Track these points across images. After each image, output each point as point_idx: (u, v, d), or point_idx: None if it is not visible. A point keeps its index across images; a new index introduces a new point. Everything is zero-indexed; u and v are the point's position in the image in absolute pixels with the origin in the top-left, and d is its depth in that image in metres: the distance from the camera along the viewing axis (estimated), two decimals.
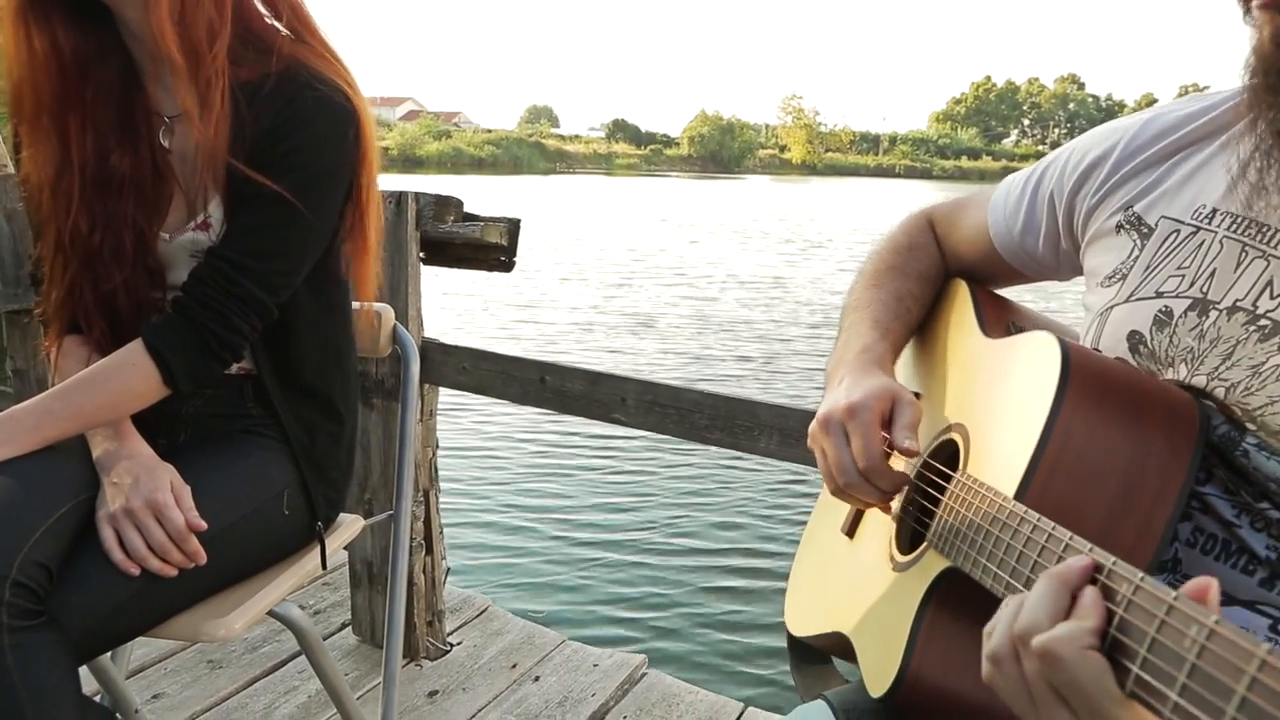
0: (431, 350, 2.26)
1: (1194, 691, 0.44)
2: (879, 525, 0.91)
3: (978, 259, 1.04)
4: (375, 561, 2.29)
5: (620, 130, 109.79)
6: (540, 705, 2.10)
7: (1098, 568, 0.54)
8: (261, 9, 1.22)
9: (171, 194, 1.21)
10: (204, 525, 1.10)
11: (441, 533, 2.43)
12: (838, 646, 0.90)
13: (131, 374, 1.14)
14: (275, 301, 1.21)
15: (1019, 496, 0.67)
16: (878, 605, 0.83)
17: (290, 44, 1.21)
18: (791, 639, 1.04)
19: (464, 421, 5.81)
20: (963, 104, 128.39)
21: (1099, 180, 0.88)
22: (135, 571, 1.06)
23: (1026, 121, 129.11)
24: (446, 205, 2.22)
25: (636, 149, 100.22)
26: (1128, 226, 0.84)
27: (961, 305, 1.00)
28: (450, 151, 77.15)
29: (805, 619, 0.99)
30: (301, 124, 1.17)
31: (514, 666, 2.26)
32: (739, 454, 2.38)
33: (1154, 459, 0.67)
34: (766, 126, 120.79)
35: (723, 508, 4.73)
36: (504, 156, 79.79)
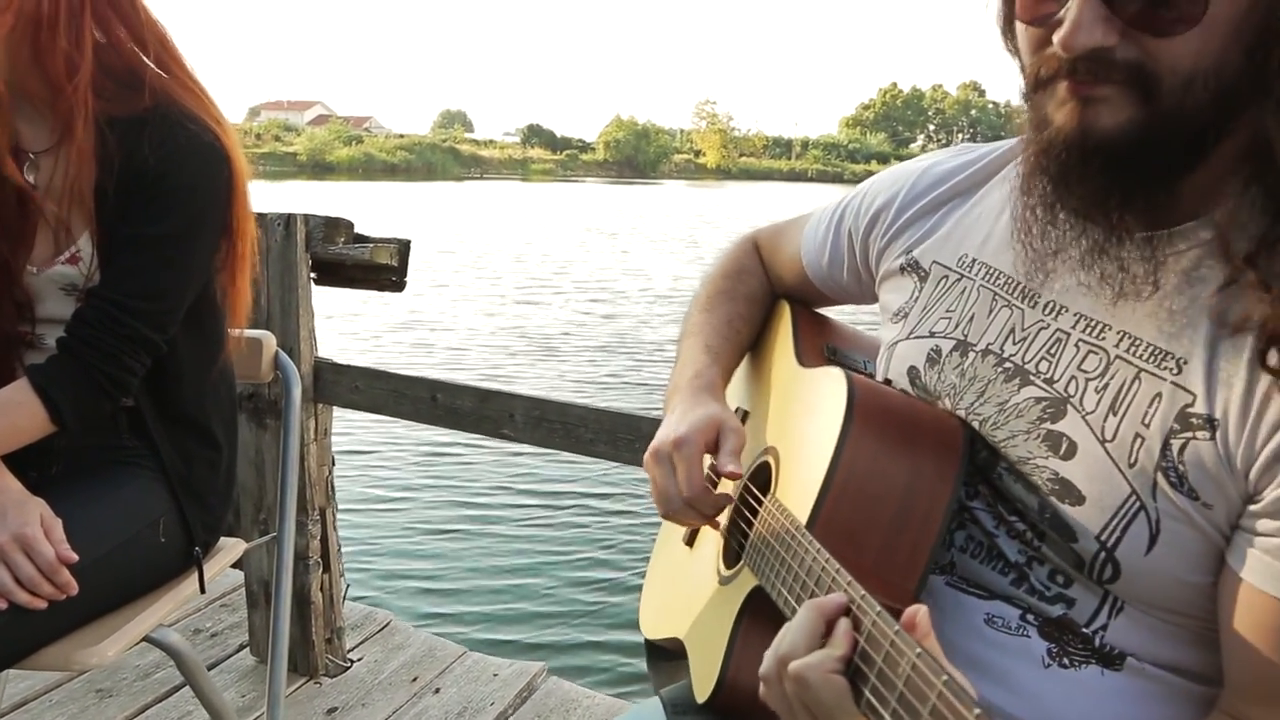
0: (324, 370, 2.28)
1: (900, 711, 0.53)
2: (712, 538, 0.99)
3: (796, 284, 1.14)
4: (272, 581, 2.29)
5: (536, 135, 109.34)
6: (440, 717, 2.14)
7: (851, 600, 0.62)
8: (129, 44, 1.24)
9: (36, 227, 1.22)
10: (75, 557, 1.12)
11: (340, 550, 2.44)
12: (679, 649, 0.98)
13: (17, 412, 1.16)
14: (163, 339, 1.24)
15: (811, 522, 0.75)
16: (704, 615, 0.92)
17: (159, 79, 1.24)
18: (648, 641, 1.11)
19: (366, 437, 5.76)
20: (871, 109, 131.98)
21: (885, 224, 0.97)
22: (3, 606, 1.08)
23: (932, 127, 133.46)
24: (336, 227, 2.25)
25: (552, 154, 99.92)
26: (909, 269, 0.93)
27: (784, 330, 1.09)
28: (361, 157, 75.60)
29: (653, 622, 1.08)
30: (177, 166, 1.20)
31: (415, 680, 2.30)
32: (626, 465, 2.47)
33: (925, 482, 0.76)
34: (681, 131, 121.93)
35: (617, 516, 4.84)
36: (417, 162, 78.60)
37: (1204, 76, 0.61)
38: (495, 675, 2.31)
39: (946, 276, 0.89)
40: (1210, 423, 0.66)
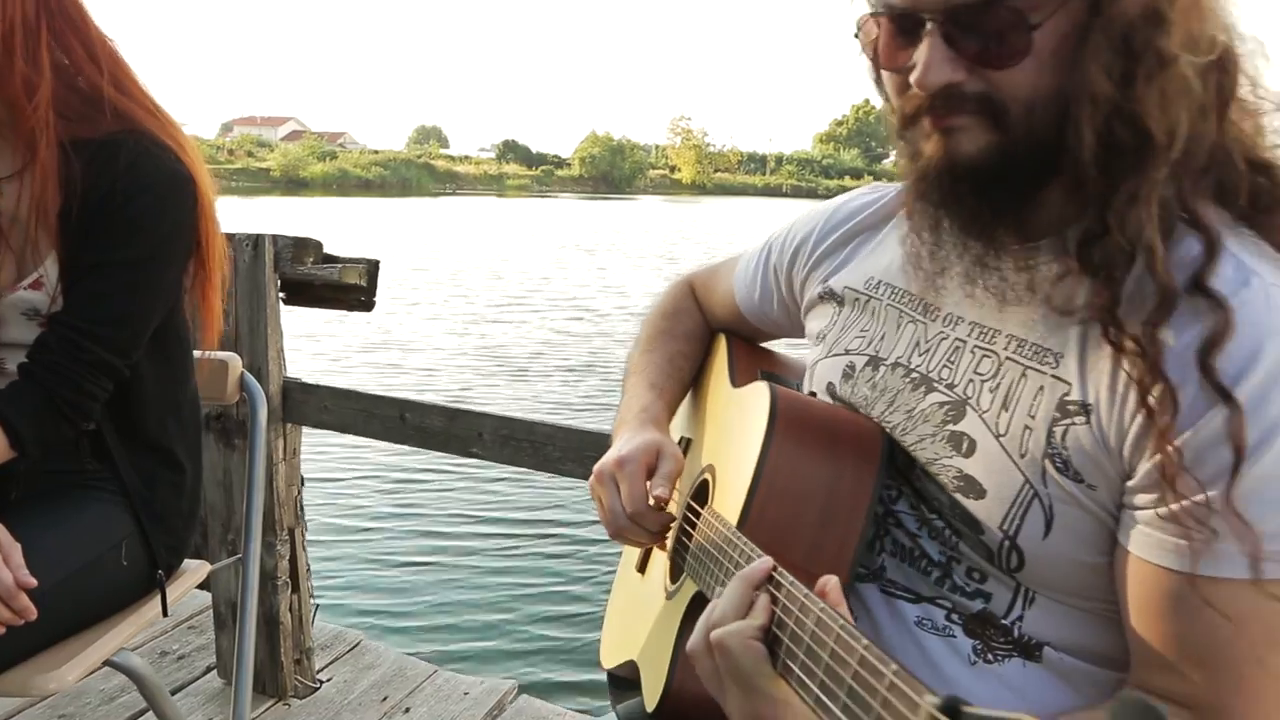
0: (293, 390, 2.28)
1: (805, 663, 0.58)
2: (660, 560, 1.02)
3: (731, 320, 1.21)
4: (240, 603, 2.28)
5: (511, 151, 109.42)
6: None
7: (773, 568, 0.67)
8: (88, 64, 1.23)
9: (0, 252, 1.22)
10: (34, 582, 1.11)
11: (309, 570, 2.43)
12: (634, 673, 1.00)
13: None
14: (126, 364, 1.24)
15: (741, 524, 0.79)
16: (653, 631, 0.94)
17: (119, 100, 1.24)
18: (608, 672, 1.13)
19: (338, 457, 5.73)
20: (844, 125, 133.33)
21: (805, 257, 1.05)
22: None
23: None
24: (305, 247, 2.25)
25: (528, 170, 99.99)
26: (827, 296, 1.00)
27: (721, 359, 1.16)
28: (336, 173, 75.27)
29: (610, 652, 1.10)
30: (141, 190, 1.20)
31: (384, 700, 2.29)
32: None
33: (847, 480, 0.81)
34: (656, 147, 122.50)
35: (587, 533, 4.85)
36: (392, 178, 78.33)
37: (1043, 101, 0.68)
38: (466, 694, 2.31)
39: (858, 299, 0.96)
40: (1085, 408, 0.71)
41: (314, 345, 9.26)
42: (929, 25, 0.69)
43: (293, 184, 70.80)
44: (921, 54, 0.69)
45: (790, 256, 1.07)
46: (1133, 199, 0.67)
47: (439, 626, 3.85)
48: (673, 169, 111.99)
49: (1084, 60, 0.66)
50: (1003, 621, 0.78)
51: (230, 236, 2.19)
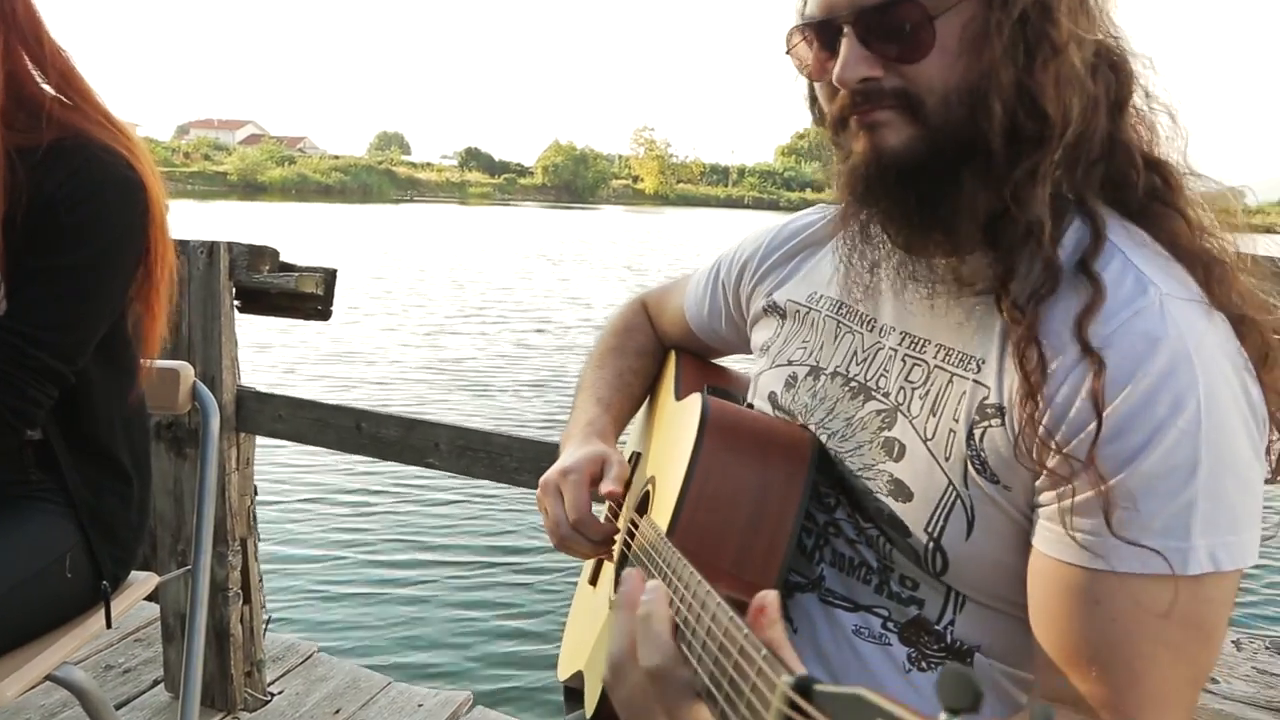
0: (247, 399, 2.26)
1: (728, 695, 0.53)
2: (609, 572, 1.04)
3: (683, 337, 1.23)
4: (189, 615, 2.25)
5: (474, 159, 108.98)
6: None
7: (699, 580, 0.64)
8: (36, 75, 1.23)
9: None
10: None
11: (261, 581, 2.41)
12: (583, 683, 1.01)
13: None
14: (71, 370, 1.22)
15: (671, 529, 0.80)
16: (597, 641, 0.96)
17: (62, 109, 1.23)
18: (564, 684, 1.14)
19: (293, 466, 5.65)
20: (806, 139, 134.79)
21: (751, 274, 1.08)
22: None
23: None
24: (261, 255, 2.24)
25: (490, 178, 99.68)
26: (771, 310, 1.04)
27: (670, 375, 1.18)
28: (295, 178, 74.38)
29: (564, 663, 1.11)
30: (89, 195, 1.19)
31: (337, 712, 2.27)
32: None
33: (776, 486, 0.83)
34: (620, 157, 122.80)
35: (542, 542, 4.83)
36: (353, 184, 77.57)
37: (956, 92, 0.73)
38: (420, 705, 2.30)
39: (799, 311, 1.00)
40: (1000, 410, 0.75)
41: (270, 354, 9.08)
42: (845, 29, 0.74)
43: (250, 188, 69.80)
44: (841, 54, 0.75)
45: (738, 273, 1.11)
46: (1030, 177, 0.72)
47: (394, 638, 3.81)
48: (636, 179, 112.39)
49: (987, 49, 0.71)
50: (935, 627, 0.81)
51: (184, 243, 2.17)
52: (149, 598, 1.61)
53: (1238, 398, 0.69)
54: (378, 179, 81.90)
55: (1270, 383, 0.72)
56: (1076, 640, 0.70)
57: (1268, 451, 0.72)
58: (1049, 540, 0.71)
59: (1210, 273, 0.74)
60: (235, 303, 2.26)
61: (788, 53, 0.83)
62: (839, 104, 0.78)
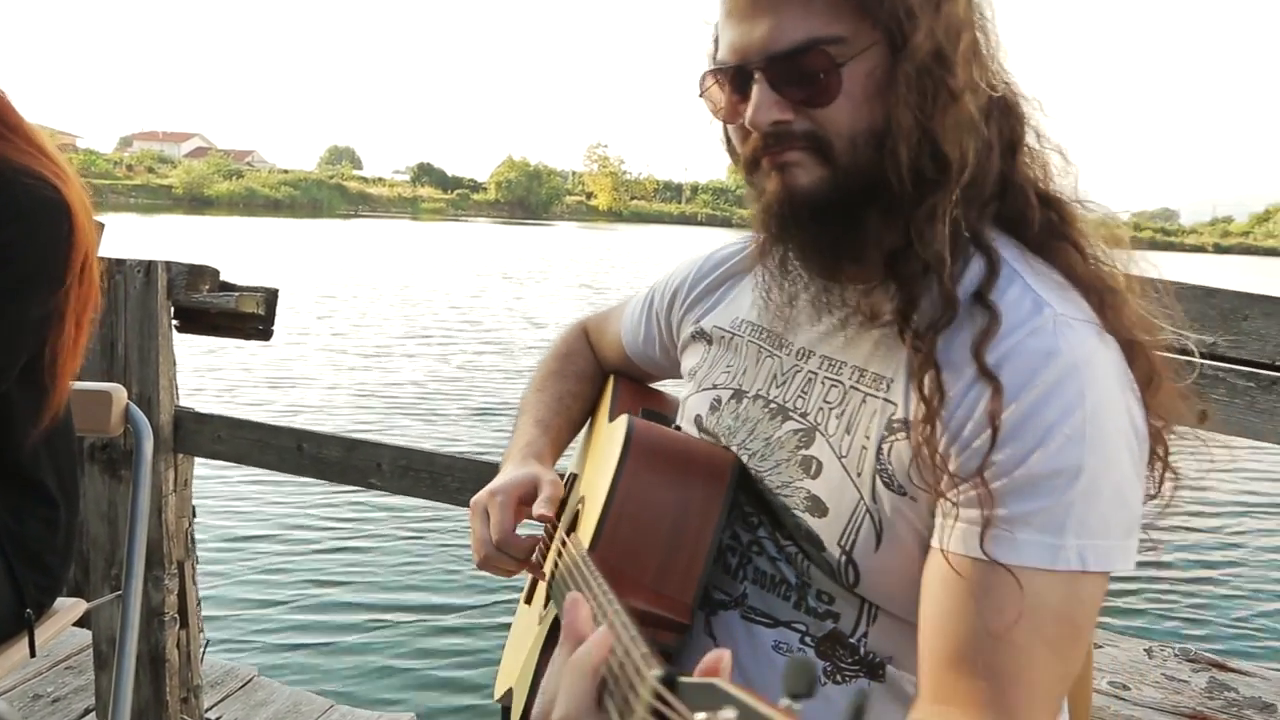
0: (185, 420, 2.23)
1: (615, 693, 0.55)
2: (543, 589, 1.05)
3: (620, 362, 1.27)
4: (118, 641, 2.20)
5: (426, 174, 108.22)
6: None
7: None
8: None
9: None
10: None
11: (199, 604, 2.37)
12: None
13: None
14: None
15: (593, 546, 0.83)
16: (526, 656, 0.97)
17: None
18: (501, 705, 1.15)
19: (232, 488, 5.54)
20: None
21: (680, 301, 1.12)
22: None
23: None
24: (201, 275, 2.22)
25: (443, 193, 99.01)
26: (699, 336, 1.08)
27: (607, 399, 1.20)
28: (243, 192, 73.11)
29: (500, 682, 1.12)
30: (10, 219, 1.18)
31: None
32: None
33: (695, 505, 0.86)
34: (573, 173, 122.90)
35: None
36: (303, 198, 76.48)
37: (862, 134, 0.77)
38: None
39: (724, 337, 1.04)
40: (905, 425, 0.79)
41: (212, 375, 8.82)
42: (756, 75, 0.78)
43: (197, 202, 68.45)
44: (753, 99, 0.78)
45: (669, 301, 1.14)
46: (931, 216, 0.76)
47: (337, 660, 3.76)
48: (589, 196, 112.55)
49: (890, 96, 0.75)
50: (850, 640, 0.85)
51: (121, 262, 2.14)
52: (81, 623, 1.58)
53: (1123, 414, 0.74)
54: (328, 194, 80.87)
55: (1154, 406, 0.77)
56: (963, 633, 0.73)
57: (1151, 468, 0.77)
58: (941, 535, 0.76)
59: (1104, 299, 0.79)
60: (174, 322, 2.24)
61: (701, 96, 0.86)
62: (751, 146, 0.82)
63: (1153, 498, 0.79)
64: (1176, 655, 1.28)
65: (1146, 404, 0.77)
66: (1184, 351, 0.88)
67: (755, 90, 0.78)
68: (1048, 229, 0.82)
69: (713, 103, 0.86)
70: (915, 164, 0.76)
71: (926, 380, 0.76)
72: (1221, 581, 5.26)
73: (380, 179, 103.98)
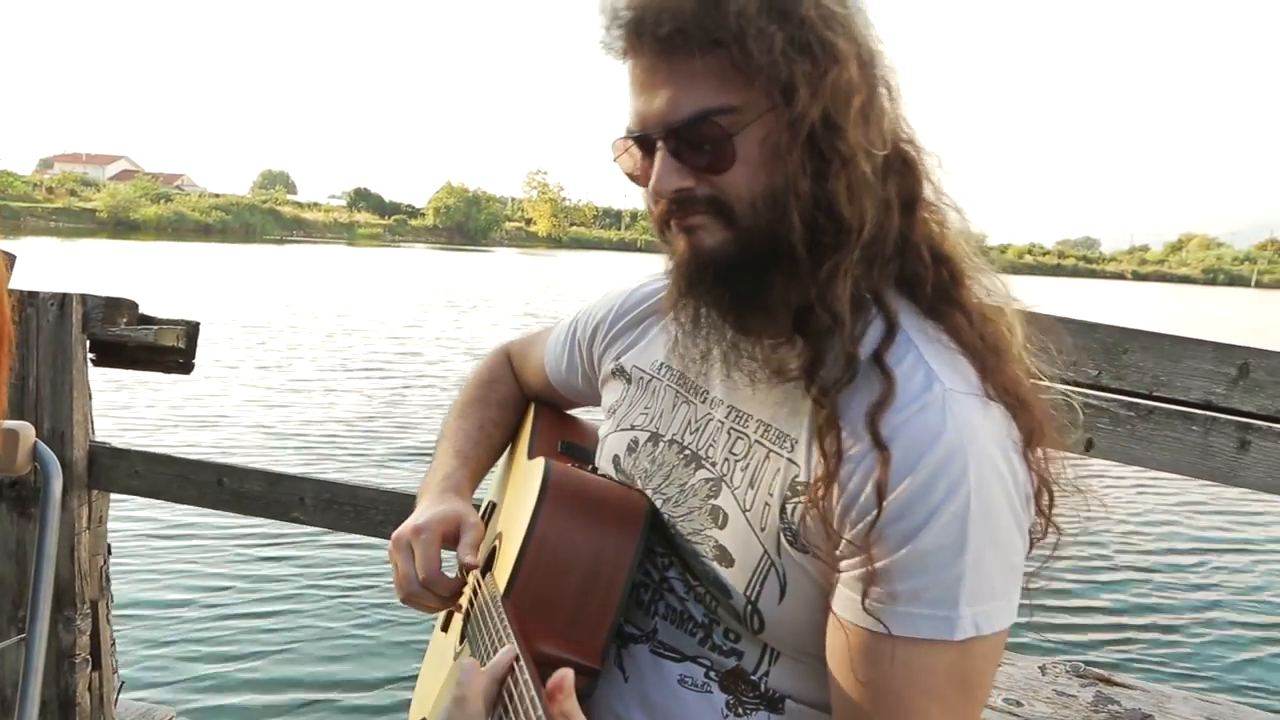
0: (101, 455, 2.18)
1: None
2: (459, 620, 1.07)
3: (543, 389, 1.28)
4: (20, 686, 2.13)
5: (363, 199, 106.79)
6: None
7: (516, 658, 0.72)
8: None
9: None
10: None
11: (114, 645, 2.31)
12: None
13: None
14: None
15: (508, 592, 0.85)
16: (440, 690, 0.98)
17: None
18: None
19: (151, 523, 5.37)
20: None
21: (602, 335, 1.14)
22: None
23: None
24: (118, 308, 2.18)
25: (380, 219, 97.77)
26: (619, 373, 1.09)
27: (527, 429, 1.21)
28: (172, 216, 71.18)
29: (414, 710, 1.13)
30: None
31: None
32: None
33: (609, 552, 0.89)
34: (513, 199, 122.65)
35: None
36: (234, 223, 74.73)
37: (761, 198, 0.79)
38: None
39: (643, 379, 1.06)
40: (808, 487, 0.82)
41: (132, 410, 8.46)
42: (658, 144, 0.81)
43: (122, 226, 66.38)
44: (656, 167, 0.81)
45: (590, 333, 1.15)
46: (832, 276, 0.79)
47: (260, 698, 3.66)
48: (529, 221, 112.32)
49: (784, 161, 0.78)
50: (752, 677, 0.88)
51: (34, 295, 2.10)
52: None
53: (1005, 481, 0.77)
54: (261, 218, 79.20)
55: (1035, 461, 0.81)
56: (861, 694, 0.78)
57: (1037, 515, 0.81)
58: (842, 604, 0.79)
59: (986, 364, 0.82)
60: (90, 356, 2.20)
61: (614, 160, 0.89)
62: (661, 209, 0.84)
63: (1039, 541, 0.82)
64: (1068, 672, 1.35)
65: (1029, 459, 0.80)
66: (1071, 383, 0.93)
67: (658, 159, 0.81)
68: (939, 292, 0.84)
69: (625, 167, 0.88)
70: (812, 225, 0.78)
71: (828, 439, 0.79)
72: (1137, 603, 5.49)
73: (316, 204, 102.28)
